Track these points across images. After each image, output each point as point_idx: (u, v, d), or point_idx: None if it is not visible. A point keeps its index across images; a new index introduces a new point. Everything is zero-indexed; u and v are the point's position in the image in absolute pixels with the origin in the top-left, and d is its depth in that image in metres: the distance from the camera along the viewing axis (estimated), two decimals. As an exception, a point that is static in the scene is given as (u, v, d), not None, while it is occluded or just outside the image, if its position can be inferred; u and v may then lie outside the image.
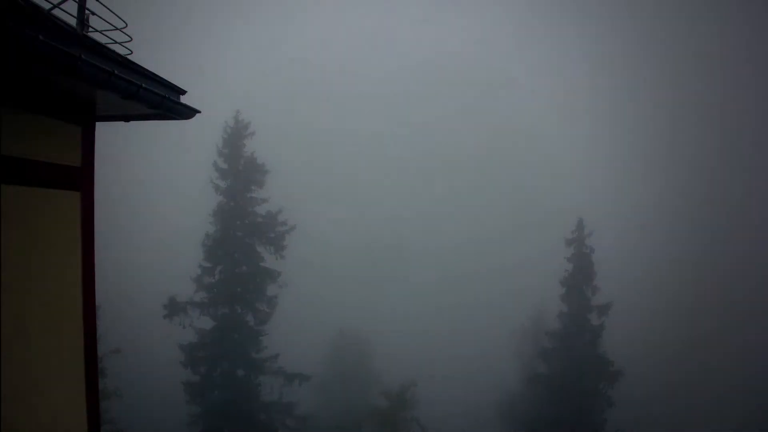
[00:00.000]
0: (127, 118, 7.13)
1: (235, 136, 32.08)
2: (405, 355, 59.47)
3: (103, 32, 6.10)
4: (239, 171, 31.91)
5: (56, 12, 5.71)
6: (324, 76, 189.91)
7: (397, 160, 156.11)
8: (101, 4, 5.93)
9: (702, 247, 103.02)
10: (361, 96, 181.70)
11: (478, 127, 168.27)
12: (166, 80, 6.20)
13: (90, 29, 5.92)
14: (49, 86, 5.41)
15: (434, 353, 69.95)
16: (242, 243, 31.64)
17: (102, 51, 5.39)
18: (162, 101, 5.95)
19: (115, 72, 5.13)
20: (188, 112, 6.64)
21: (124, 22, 6.20)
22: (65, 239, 6.01)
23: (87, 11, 5.84)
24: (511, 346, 52.74)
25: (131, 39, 6.31)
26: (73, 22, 5.81)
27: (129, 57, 5.96)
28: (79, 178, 6.14)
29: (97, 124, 6.43)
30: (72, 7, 5.78)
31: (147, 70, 5.90)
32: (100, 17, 5.99)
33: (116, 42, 6.26)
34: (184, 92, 6.48)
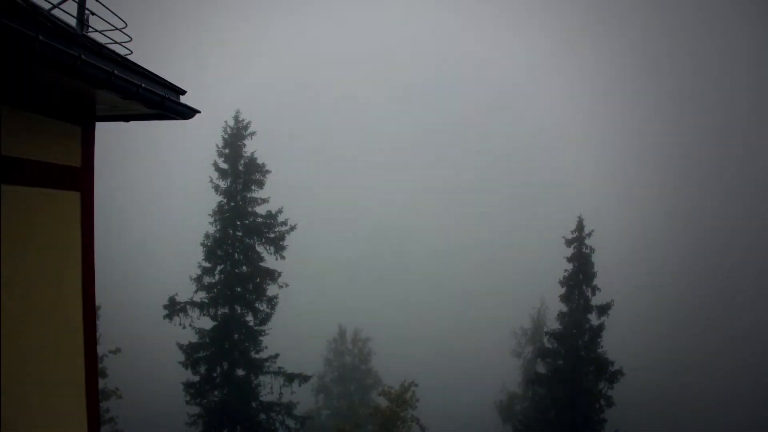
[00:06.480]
0: (127, 118, 7.12)
1: (235, 137, 31.99)
2: (405, 355, 59.56)
3: (103, 32, 6.10)
4: (239, 171, 31.85)
5: (56, 12, 5.72)
6: (325, 75, 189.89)
7: (398, 160, 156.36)
8: (101, 4, 5.93)
9: (702, 247, 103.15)
10: (363, 95, 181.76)
11: (479, 128, 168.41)
12: (166, 80, 6.19)
13: (90, 29, 5.92)
14: (49, 86, 5.41)
15: (434, 353, 70.08)
16: (242, 243, 31.58)
17: (102, 51, 5.39)
18: (162, 101, 5.94)
19: (115, 72, 5.12)
20: (188, 112, 6.64)
21: (124, 22, 6.19)
22: (65, 239, 6.00)
23: (87, 11, 5.84)
24: (511, 346, 52.78)
25: (131, 39, 6.31)
26: (73, 22, 5.81)
27: (129, 57, 5.96)
28: (79, 178, 6.13)
29: (97, 124, 6.43)
30: (72, 7, 5.78)
31: (147, 70, 5.89)
32: (100, 17, 5.99)
33: (116, 42, 6.26)
34: (184, 92, 6.48)
